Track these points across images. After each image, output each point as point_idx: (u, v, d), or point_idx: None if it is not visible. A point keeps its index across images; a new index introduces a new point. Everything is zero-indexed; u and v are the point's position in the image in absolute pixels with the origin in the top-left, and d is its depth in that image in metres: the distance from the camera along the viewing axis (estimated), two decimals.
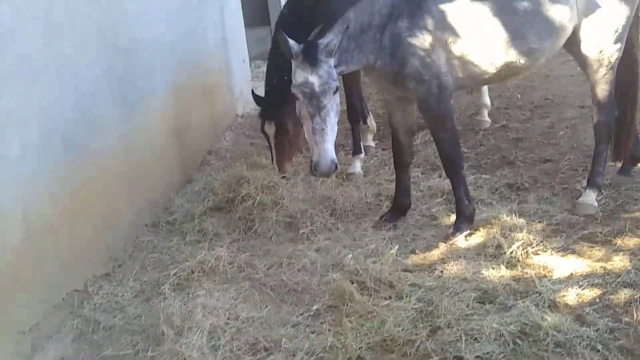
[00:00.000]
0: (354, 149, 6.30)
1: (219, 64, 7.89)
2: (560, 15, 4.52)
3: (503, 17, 4.42)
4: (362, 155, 6.34)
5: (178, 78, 6.29)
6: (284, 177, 5.85)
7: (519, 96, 8.00)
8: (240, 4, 9.00)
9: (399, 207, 5.13)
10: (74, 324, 4.10)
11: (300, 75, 4.04)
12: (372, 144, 6.80)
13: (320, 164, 4.07)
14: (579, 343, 3.46)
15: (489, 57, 4.50)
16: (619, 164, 5.42)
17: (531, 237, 4.49)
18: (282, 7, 5.98)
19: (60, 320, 4.08)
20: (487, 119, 7.14)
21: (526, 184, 5.55)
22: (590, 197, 4.95)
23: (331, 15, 4.24)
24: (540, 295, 3.88)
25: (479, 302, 3.92)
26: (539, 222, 4.83)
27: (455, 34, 4.38)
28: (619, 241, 4.45)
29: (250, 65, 9.53)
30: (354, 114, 6.31)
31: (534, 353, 3.44)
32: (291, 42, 4.04)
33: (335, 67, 4.12)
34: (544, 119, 7.13)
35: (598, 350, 3.41)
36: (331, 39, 4.01)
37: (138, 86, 5.36)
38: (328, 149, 4.07)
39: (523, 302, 3.80)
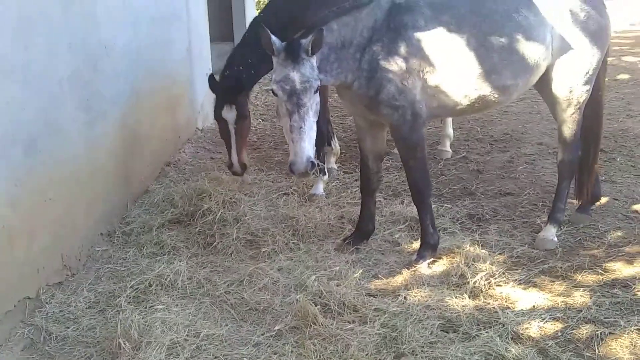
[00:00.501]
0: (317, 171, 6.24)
1: (183, 76, 7.78)
2: (536, 53, 4.60)
3: (480, 52, 4.47)
4: (325, 177, 6.30)
5: (142, 87, 6.17)
6: (244, 167, 5.83)
7: (478, 129, 8.10)
8: (207, 17, 8.92)
9: (363, 231, 5.10)
10: (24, 333, 3.94)
11: (282, 71, 4.00)
12: (335, 166, 6.77)
13: (296, 163, 4.01)
14: None
15: (464, 89, 4.53)
16: (577, 202, 5.51)
17: (494, 268, 4.53)
18: (246, 25, 5.97)
19: (10, 328, 3.91)
20: (448, 149, 7.20)
21: (487, 215, 5.59)
22: (551, 232, 5.02)
23: (309, 23, 4.22)
24: (503, 326, 3.88)
25: (443, 330, 3.91)
26: (500, 253, 4.86)
27: (431, 64, 4.40)
28: (578, 277, 4.50)
29: None
30: (319, 136, 6.24)
31: None
32: (274, 38, 4.00)
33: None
34: (503, 153, 7.23)
35: None
36: (313, 39, 3.95)
37: (102, 93, 5.23)
38: (304, 147, 4.00)
39: (487, 333, 3.80)
